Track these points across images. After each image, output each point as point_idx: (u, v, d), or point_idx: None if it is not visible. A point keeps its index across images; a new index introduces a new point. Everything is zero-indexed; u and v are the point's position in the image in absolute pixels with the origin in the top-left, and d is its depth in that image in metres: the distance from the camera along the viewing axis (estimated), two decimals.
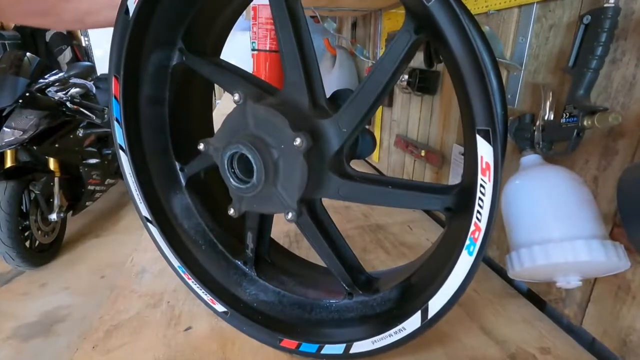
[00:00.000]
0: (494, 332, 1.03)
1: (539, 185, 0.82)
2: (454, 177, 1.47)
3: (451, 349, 0.99)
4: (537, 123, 0.91)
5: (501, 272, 1.28)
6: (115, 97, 0.96)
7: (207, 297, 1.05)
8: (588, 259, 0.72)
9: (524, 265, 0.77)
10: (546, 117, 0.91)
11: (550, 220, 0.78)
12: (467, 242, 0.70)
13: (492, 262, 1.32)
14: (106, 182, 1.93)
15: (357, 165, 0.82)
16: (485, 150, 0.64)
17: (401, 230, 1.60)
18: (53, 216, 1.62)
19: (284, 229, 1.58)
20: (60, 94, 1.76)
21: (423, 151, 1.69)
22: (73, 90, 1.80)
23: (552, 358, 0.95)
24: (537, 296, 1.13)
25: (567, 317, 1.04)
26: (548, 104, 0.92)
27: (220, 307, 1.04)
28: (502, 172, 0.64)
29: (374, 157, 2.30)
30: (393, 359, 0.93)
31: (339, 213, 1.75)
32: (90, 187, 1.83)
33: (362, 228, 1.62)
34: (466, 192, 0.73)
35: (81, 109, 1.76)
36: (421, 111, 1.75)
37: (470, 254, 0.70)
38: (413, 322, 0.79)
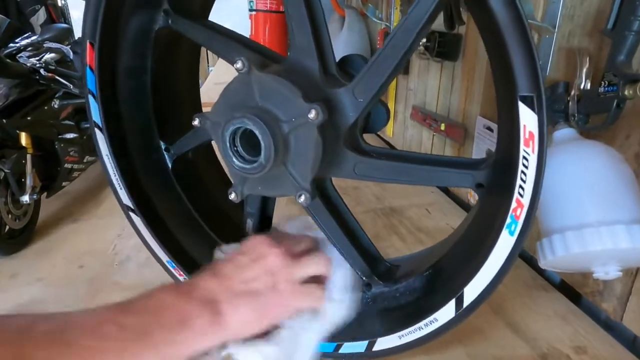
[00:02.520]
0: (523, 328, 1.04)
1: (573, 163, 0.82)
2: (478, 154, 1.47)
3: (473, 348, 0.99)
4: (572, 93, 0.91)
5: (531, 262, 1.28)
6: (90, 67, 0.95)
7: None
8: (629, 245, 0.72)
9: (556, 253, 0.77)
10: (582, 86, 0.91)
11: (586, 203, 0.78)
12: (508, 220, 0.70)
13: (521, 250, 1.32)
14: (85, 160, 1.91)
15: (368, 141, 0.82)
16: (528, 119, 0.64)
17: (418, 214, 1.61)
18: (25, 198, 1.61)
19: (284, 212, 1.58)
20: (33, 60, 1.74)
21: (443, 125, 1.70)
22: (47, 56, 1.78)
23: (589, 358, 0.95)
24: (571, 288, 1.14)
25: (606, 312, 1.04)
26: (584, 71, 0.92)
27: None
28: (547, 142, 0.64)
29: (388, 132, 2.30)
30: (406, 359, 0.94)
31: (347, 194, 1.75)
32: (67, 165, 1.81)
33: (374, 212, 1.62)
34: (502, 166, 0.74)
35: (57, 77, 1.75)
36: (441, 79, 1.75)
37: (511, 233, 0.70)
38: (446, 312, 0.80)
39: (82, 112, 1.94)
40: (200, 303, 0.70)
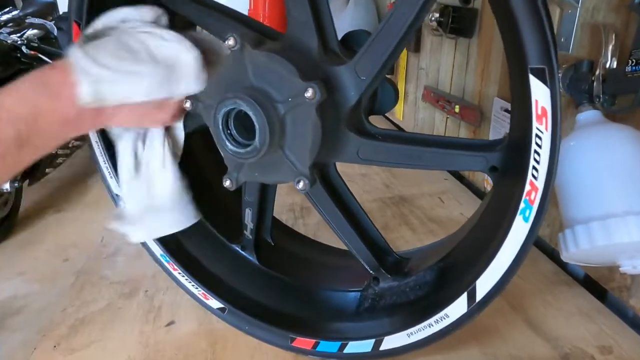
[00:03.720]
0: (544, 327, 1.04)
1: (598, 148, 0.81)
2: (495, 138, 1.47)
3: (490, 347, 0.99)
4: (597, 72, 0.90)
5: (552, 255, 1.28)
6: None
7: (199, 292, 1.05)
8: None
9: (580, 245, 0.77)
10: (608, 65, 0.90)
11: (612, 191, 0.77)
12: (522, 205, 0.69)
13: (541, 242, 1.32)
14: (70, 145, 1.91)
15: (376, 124, 0.81)
16: (540, 93, 0.63)
17: (430, 203, 1.61)
18: (5, 186, 1.60)
19: (286, 201, 1.58)
20: (14, 36, 1.74)
21: (457, 106, 1.69)
22: (30, 32, 1.78)
23: (614, 359, 0.95)
24: (596, 284, 1.13)
25: (633, 310, 1.04)
26: (610, 48, 0.91)
27: (215, 303, 1.04)
28: (561, 118, 0.64)
29: (397, 115, 2.29)
30: (419, 359, 0.94)
31: (354, 182, 1.75)
32: (52, 151, 1.82)
33: (383, 201, 1.62)
34: (516, 147, 0.73)
35: (40, 55, 1.74)
36: (455, 57, 1.74)
37: (525, 219, 0.69)
38: (458, 307, 0.80)
39: None
40: None
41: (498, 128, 1.45)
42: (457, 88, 1.74)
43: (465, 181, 1.77)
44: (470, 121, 1.62)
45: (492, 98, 1.49)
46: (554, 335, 1.01)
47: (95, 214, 1.71)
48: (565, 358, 0.95)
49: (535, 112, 0.65)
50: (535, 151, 0.66)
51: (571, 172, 0.82)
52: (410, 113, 2.18)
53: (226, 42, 0.75)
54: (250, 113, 0.73)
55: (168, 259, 1.05)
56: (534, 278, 1.18)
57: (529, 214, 0.69)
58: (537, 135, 0.66)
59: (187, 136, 0.97)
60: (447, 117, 1.82)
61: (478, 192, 1.67)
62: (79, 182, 2.03)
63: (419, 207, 1.57)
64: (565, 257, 0.82)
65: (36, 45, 1.78)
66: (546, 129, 0.64)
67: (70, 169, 2.11)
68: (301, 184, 0.79)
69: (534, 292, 1.14)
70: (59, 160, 1.91)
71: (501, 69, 1.45)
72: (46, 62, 1.78)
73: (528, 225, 0.70)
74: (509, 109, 1.32)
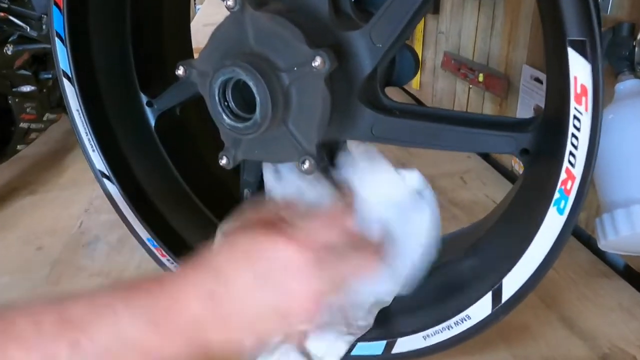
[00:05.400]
0: (580, 324, 1.04)
1: None
2: (524, 111, 1.46)
3: (520, 348, 0.99)
4: (638, 37, 0.90)
5: (589, 243, 1.27)
6: (57, 4, 0.94)
7: None
8: None
9: (620, 232, 0.77)
10: None
11: None
12: (556, 195, 0.69)
13: (576, 228, 1.31)
14: (45, 118, 1.90)
15: (390, 95, 0.81)
16: (580, 69, 0.62)
17: (451, 184, 1.61)
18: None
19: None
20: None
21: (481, 75, 1.69)
22: None
23: None
24: (639, 275, 1.13)
25: None
26: None
27: None
28: (604, 97, 0.63)
29: (414, 84, 2.29)
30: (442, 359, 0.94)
31: None
32: (23, 125, 1.81)
33: None
34: (550, 128, 0.72)
35: (10, 17, 1.74)
36: (478, 20, 1.73)
37: (560, 211, 0.69)
38: (481, 308, 0.80)
39: (41, 60, 1.93)
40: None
41: (527, 100, 1.45)
42: (481, 54, 1.73)
43: (490, 159, 1.76)
44: (496, 92, 1.62)
45: (521, 65, 1.48)
46: (592, 334, 1.01)
47: (73, 196, 1.71)
48: (603, 359, 0.95)
49: (574, 90, 0.64)
50: (573, 134, 0.65)
51: (610, 149, 0.82)
52: (427, 82, 2.18)
53: (225, 2, 0.75)
54: (251, 83, 0.72)
55: (156, 243, 1.05)
56: (568, 269, 1.18)
57: (564, 205, 0.68)
58: (575, 117, 0.65)
59: (181, 107, 0.98)
60: (470, 87, 1.82)
61: (504, 172, 1.67)
62: (55, 160, 2.02)
63: (439, 189, 1.56)
64: (603, 245, 0.82)
65: (6, 6, 1.77)
66: (586, 109, 0.64)
67: (44, 146, 2.11)
68: (307, 165, 0.79)
69: (568, 285, 1.14)
70: (32, 135, 1.91)
71: (530, 32, 1.44)
72: (17, 25, 1.77)
73: (563, 218, 0.69)
74: (540, 77, 1.32)
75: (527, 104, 1.44)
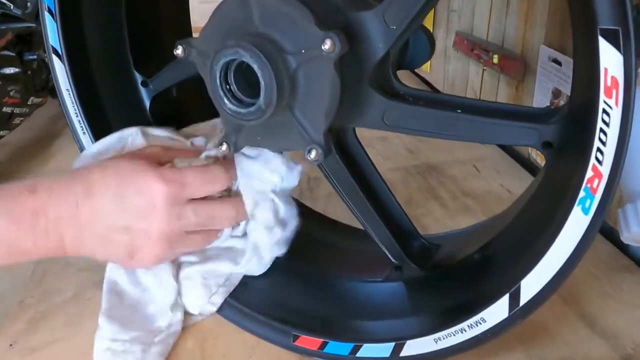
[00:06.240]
0: (601, 322, 1.03)
1: None
2: (542, 95, 1.46)
3: (536, 347, 0.98)
4: None
5: (611, 235, 1.27)
6: None
7: None
8: None
9: None
10: None
11: None
12: (582, 194, 0.68)
13: None
14: (30, 102, 1.90)
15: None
16: (611, 60, 0.61)
17: (464, 172, 1.60)
18: None
19: None
20: None
21: (496, 56, 1.68)
22: None
23: None
24: None
25: None
26: None
27: None
28: (636, 91, 0.62)
29: (424, 66, 2.28)
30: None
31: (371, 147, 1.74)
32: (6, 109, 1.80)
33: (406, 170, 1.62)
34: (576, 120, 0.72)
35: None
36: None
37: (585, 211, 0.68)
38: (497, 311, 0.79)
39: (25, 40, 1.93)
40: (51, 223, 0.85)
41: (545, 82, 1.44)
42: (496, 34, 1.73)
43: (505, 146, 1.76)
44: (512, 74, 1.62)
45: (538, 46, 1.48)
46: (613, 333, 1.01)
47: None
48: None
49: (604, 82, 0.62)
50: (602, 130, 0.64)
51: (633, 136, 0.81)
52: (438, 64, 2.18)
53: None
54: (255, 66, 0.72)
55: None
56: (588, 263, 1.18)
57: (590, 204, 0.67)
58: (604, 111, 0.63)
59: (177, 87, 0.98)
60: (484, 69, 1.82)
61: (521, 160, 1.66)
62: (41, 146, 2.02)
63: (450, 178, 1.57)
64: (626, 237, 0.82)
65: None
66: (616, 104, 0.62)
67: (28, 132, 2.10)
68: (313, 154, 0.79)
69: (589, 280, 1.14)
70: (16, 120, 1.91)
71: (549, 9, 1.44)
72: (0, 3, 1.77)
73: (588, 219, 0.68)
74: (559, 59, 1.32)
75: (545, 87, 1.44)
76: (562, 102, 1.36)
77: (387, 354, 0.89)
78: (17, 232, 0.83)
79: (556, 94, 1.38)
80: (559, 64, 1.36)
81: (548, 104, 1.41)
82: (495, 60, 1.68)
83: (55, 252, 0.88)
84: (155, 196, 0.86)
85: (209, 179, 0.91)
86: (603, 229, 1.29)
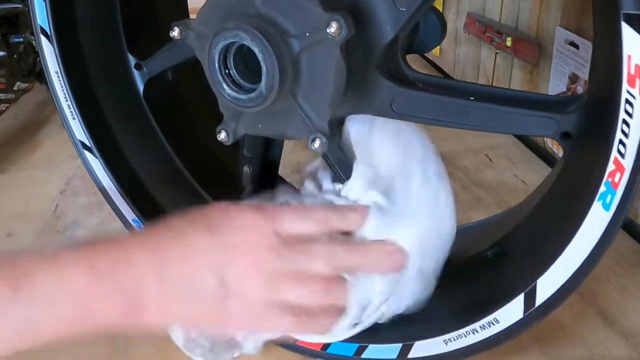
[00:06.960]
0: (620, 320, 1.04)
1: None
2: (558, 80, 1.46)
3: (553, 347, 0.99)
4: None
5: (631, 228, 1.27)
6: None
7: None
8: None
9: None
10: None
11: None
12: (602, 188, 0.67)
13: None
14: (16, 87, 1.90)
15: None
16: (635, 47, 0.60)
17: (476, 162, 1.61)
18: None
19: (292, 159, 1.57)
20: None
21: (509, 39, 1.68)
22: None
23: None
24: None
25: None
26: None
27: None
28: None
29: (433, 50, 2.28)
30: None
31: None
32: None
33: None
34: (597, 110, 0.71)
35: None
36: None
37: (606, 207, 0.67)
38: (512, 312, 0.79)
39: (10, 22, 1.93)
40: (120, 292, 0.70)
41: (561, 67, 1.44)
42: (509, 15, 1.73)
43: (521, 136, 1.76)
44: (526, 57, 1.61)
45: (554, 28, 1.47)
46: (633, 331, 1.01)
47: (47, 175, 1.71)
48: None
49: (627, 70, 0.62)
50: (624, 120, 0.63)
51: None
52: (449, 47, 2.17)
53: None
54: (256, 50, 0.72)
55: (142, 225, 1.06)
56: (607, 258, 1.17)
57: (611, 200, 0.67)
58: (627, 101, 0.63)
59: (173, 71, 0.98)
60: (497, 53, 1.81)
61: (536, 149, 1.66)
62: (27, 135, 2.02)
63: (461, 168, 1.57)
64: None
65: None
66: None
67: (14, 119, 2.11)
68: (317, 143, 0.79)
69: (607, 276, 1.14)
70: (1, 107, 1.91)
71: None
72: None
73: (609, 215, 0.68)
74: (576, 41, 1.32)
75: (561, 71, 1.44)
76: (579, 88, 1.36)
77: (394, 356, 0.89)
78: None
79: (573, 79, 1.38)
80: (576, 47, 1.36)
81: (564, 90, 1.41)
82: (509, 43, 1.68)
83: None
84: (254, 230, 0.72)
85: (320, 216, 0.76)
86: (623, 222, 1.29)
